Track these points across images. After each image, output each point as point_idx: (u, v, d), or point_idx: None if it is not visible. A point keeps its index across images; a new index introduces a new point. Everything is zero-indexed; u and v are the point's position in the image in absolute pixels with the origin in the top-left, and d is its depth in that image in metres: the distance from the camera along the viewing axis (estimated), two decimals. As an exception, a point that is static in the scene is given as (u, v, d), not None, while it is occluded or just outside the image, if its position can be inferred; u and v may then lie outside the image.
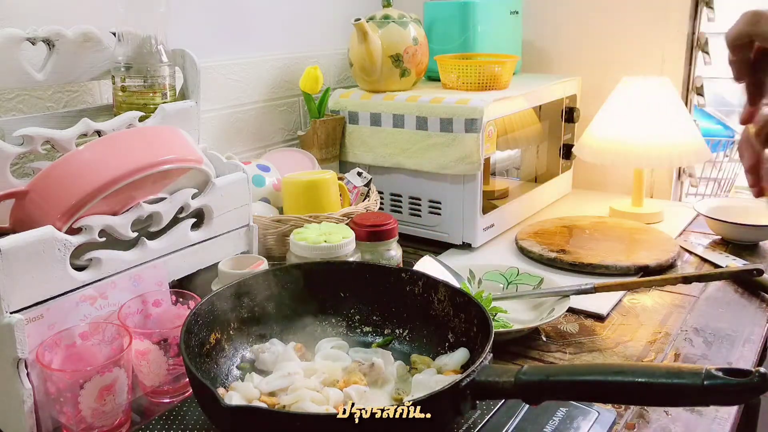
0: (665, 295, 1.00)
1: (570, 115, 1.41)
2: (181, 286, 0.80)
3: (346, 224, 0.94)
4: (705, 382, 0.48)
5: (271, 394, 0.67)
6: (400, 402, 0.66)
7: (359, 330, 0.80)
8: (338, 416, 0.59)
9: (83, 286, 0.69)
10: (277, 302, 0.78)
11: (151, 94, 0.91)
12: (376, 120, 1.22)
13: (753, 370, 0.48)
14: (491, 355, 0.62)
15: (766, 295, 0.98)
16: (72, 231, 0.68)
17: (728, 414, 0.71)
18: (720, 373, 0.48)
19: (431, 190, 1.19)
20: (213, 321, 0.72)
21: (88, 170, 0.68)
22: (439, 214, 1.19)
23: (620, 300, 0.98)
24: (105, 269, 0.71)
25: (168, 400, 0.73)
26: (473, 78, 1.21)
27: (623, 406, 0.71)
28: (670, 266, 1.09)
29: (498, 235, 1.24)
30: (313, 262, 0.83)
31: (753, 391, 0.47)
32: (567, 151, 1.43)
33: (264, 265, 0.84)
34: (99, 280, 0.71)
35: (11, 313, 0.62)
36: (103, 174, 0.68)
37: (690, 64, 1.44)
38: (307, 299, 0.79)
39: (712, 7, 1.40)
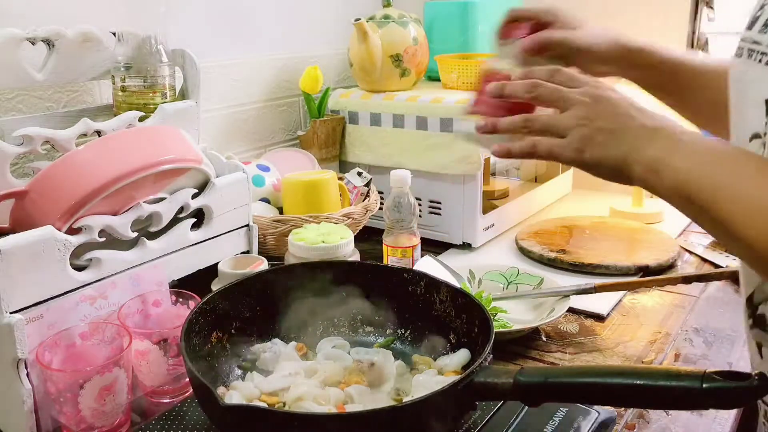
0: (665, 295, 1.00)
1: (570, 115, 1.40)
2: (181, 286, 0.80)
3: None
4: (704, 385, 0.48)
5: (272, 393, 0.67)
6: (399, 402, 0.66)
7: (361, 330, 0.80)
8: (336, 416, 0.59)
9: (83, 286, 0.69)
10: (278, 302, 0.78)
11: (151, 94, 0.91)
12: (376, 120, 1.22)
13: (752, 373, 0.47)
14: (491, 356, 0.62)
15: (766, 295, 0.98)
16: (72, 231, 0.68)
17: (728, 414, 0.71)
18: (719, 377, 0.48)
19: (431, 190, 1.19)
20: (214, 321, 0.71)
21: (88, 170, 0.68)
22: (439, 214, 1.19)
23: (620, 300, 0.98)
24: (105, 269, 0.71)
25: (168, 400, 0.73)
26: (473, 78, 1.21)
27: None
28: (670, 266, 1.09)
29: (498, 235, 1.24)
30: (315, 262, 0.83)
31: (752, 394, 0.47)
32: (567, 151, 1.43)
33: (264, 265, 0.84)
34: (99, 280, 0.71)
35: (11, 313, 0.62)
36: (103, 174, 0.68)
37: (690, 64, 1.44)
38: (308, 299, 0.79)
39: (712, 7, 1.40)
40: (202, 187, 0.82)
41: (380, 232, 1.01)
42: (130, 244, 0.75)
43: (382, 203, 1.11)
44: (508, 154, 0.65)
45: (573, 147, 0.60)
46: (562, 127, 0.61)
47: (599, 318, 0.93)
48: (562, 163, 0.63)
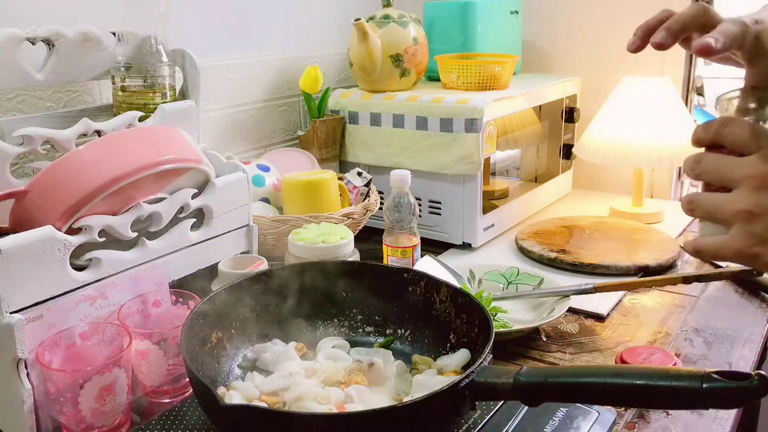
0: (665, 295, 1.00)
1: (570, 115, 1.41)
2: (181, 286, 0.80)
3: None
4: (704, 385, 0.48)
5: (272, 393, 0.67)
6: (399, 402, 0.66)
7: (361, 330, 0.80)
8: (336, 416, 0.59)
9: (83, 286, 0.69)
10: (278, 302, 0.78)
11: (151, 94, 0.91)
12: (376, 120, 1.22)
13: (752, 373, 0.47)
14: (491, 356, 0.62)
15: (766, 295, 0.98)
16: (72, 231, 0.68)
17: (728, 414, 0.71)
18: (719, 377, 0.48)
19: (431, 190, 1.19)
20: (214, 320, 0.72)
21: (88, 170, 0.68)
22: (439, 214, 1.19)
23: (620, 300, 0.98)
24: (105, 269, 0.71)
25: (168, 400, 0.73)
26: (473, 78, 1.21)
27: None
28: (670, 266, 1.09)
29: (498, 235, 1.24)
30: (315, 262, 0.83)
31: (752, 394, 0.47)
32: (567, 151, 1.43)
33: (264, 265, 0.84)
34: (99, 280, 0.71)
35: (11, 313, 0.62)
36: (103, 174, 0.68)
37: (690, 64, 1.44)
38: (308, 299, 0.79)
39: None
40: (202, 187, 0.82)
41: (380, 232, 1.01)
42: (130, 244, 0.75)
43: (382, 203, 1.11)
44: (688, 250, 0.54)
45: (735, 248, 0.49)
46: (723, 216, 0.50)
47: (599, 318, 0.93)
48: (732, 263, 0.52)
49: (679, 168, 1.54)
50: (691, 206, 0.52)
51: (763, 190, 0.47)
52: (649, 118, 1.26)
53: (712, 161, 0.51)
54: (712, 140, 0.51)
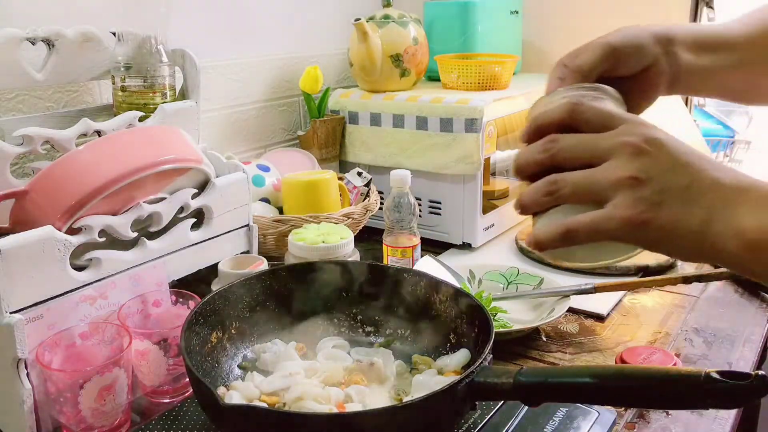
0: (665, 295, 1.00)
1: (570, 115, 1.40)
2: (181, 286, 0.80)
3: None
4: (704, 385, 0.48)
5: (272, 393, 0.67)
6: (399, 402, 0.66)
7: (361, 330, 0.80)
8: (336, 415, 0.59)
9: (83, 286, 0.69)
10: (278, 302, 0.78)
11: (150, 94, 0.91)
12: (376, 120, 1.22)
13: (752, 373, 0.47)
14: (491, 356, 0.62)
15: (766, 295, 0.98)
16: (72, 231, 0.68)
17: (728, 414, 0.71)
18: (719, 377, 0.48)
19: (431, 190, 1.19)
20: (214, 320, 0.72)
21: (88, 170, 0.68)
22: (439, 214, 1.19)
23: (620, 300, 0.98)
24: (105, 269, 0.71)
25: (168, 400, 0.73)
26: (473, 78, 1.21)
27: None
28: (671, 266, 1.08)
29: (498, 235, 1.24)
30: (314, 262, 0.83)
31: (752, 394, 0.47)
32: (567, 151, 1.43)
33: (264, 265, 0.84)
34: (99, 280, 0.71)
35: (11, 313, 0.62)
36: (103, 174, 0.68)
37: (690, 64, 1.44)
38: (308, 299, 0.79)
39: (712, 7, 1.40)
40: (202, 187, 0.82)
41: (380, 232, 1.01)
42: (130, 244, 0.75)
43: (382, 203, 1.11)
44: (539, 246, 0.45)
45: (622, 217, 0.42)
46: (601, 186, 0.43)
47: (599, 318, 0.93)
48: (612, 239, 0.43)
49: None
50: (555, 186, 0.44)
51: (642, 156, 0.42)
52: (648, 119, 1.25)
53: (572, 137, 0.44)
54: (563, 120, 0.46)
